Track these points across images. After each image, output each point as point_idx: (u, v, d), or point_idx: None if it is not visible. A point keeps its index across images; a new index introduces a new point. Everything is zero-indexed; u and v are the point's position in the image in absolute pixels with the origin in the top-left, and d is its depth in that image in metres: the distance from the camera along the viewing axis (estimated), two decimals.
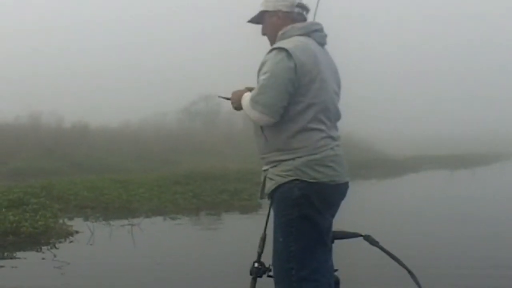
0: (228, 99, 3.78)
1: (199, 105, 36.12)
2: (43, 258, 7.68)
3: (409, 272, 4.12)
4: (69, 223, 9.80)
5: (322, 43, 3.66)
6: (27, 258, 7.72)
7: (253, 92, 3.48)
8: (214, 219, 11.81)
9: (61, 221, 9.54)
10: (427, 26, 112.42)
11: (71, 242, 8.73)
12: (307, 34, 3.58)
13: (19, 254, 7.93)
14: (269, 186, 3.55)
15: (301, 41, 3.51)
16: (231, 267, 6.70)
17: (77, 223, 9.95)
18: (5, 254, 7.92)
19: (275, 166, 3.52)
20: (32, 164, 19.32)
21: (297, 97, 3.42)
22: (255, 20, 3.78)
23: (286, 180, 3.44)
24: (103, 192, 12.88)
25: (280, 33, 3.60)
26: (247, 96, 3.54)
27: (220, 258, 7.72)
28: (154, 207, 12.15)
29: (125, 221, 10.25)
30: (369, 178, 21.97)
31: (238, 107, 3.67)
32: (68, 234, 9.06)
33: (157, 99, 36.74)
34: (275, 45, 3.52)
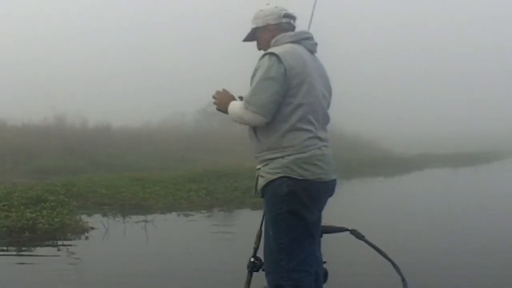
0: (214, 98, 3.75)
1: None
2: (57, 253, 7.53)
3: (393, 263, 4.28)
4: (87, 219, 9.61)
5: (312, 51, 3.71)
6: (42, 253, 7.54)
7: (246, 94, 3.52)
8: (226, 215, 11.57)
9: (77, 217, 9.34)
10: (433, 31, 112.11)
11: (86, 238, 8.55)
12: (297, 41, 3.64)
13: (35, 249, 7.76)
14: (260, 183, 3.60)
15: (291, 47, 3.57)
16: (239, 261, 6.46)
17: (95, 220, 9.76)
18: (22, 249, 7.74)
19: (266, 164, 3.56)
20: (55, 163, 19.25)
21: (288, 99, 3.46)
22: (249, 38, 3.84)
23: (275, 177, 3.49)
24: (121, 189, 12.70)
25: (273, 41, 3.66)
26: (237, 103, 3.60)
27: (228, 253, 7.50)
28: (169, 204, 11.98)
29: (141, 218, 10.06)
30: (376, 175, 22.10)
31: (222, 109, 3.70)
32: (83, 230, 8.88)
33: (176, 101, 36.61)
34: (266, 51, 3.57)
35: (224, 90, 3.73)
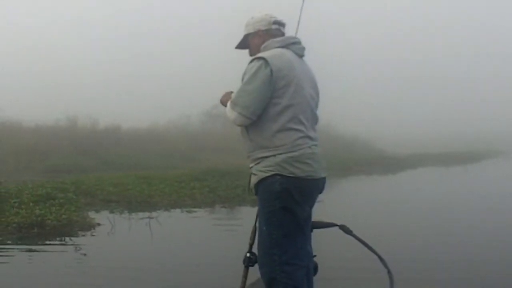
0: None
1: (220, 108, 35.70)
2: (65, 248, 7.45)
3: (379, 257, 4.27)
4: (95, 216, 9.57)
5: (300, 55, 3.71)
6: (50, 249, 7.51)
7: (233, 95, 3.53)
8: (227, 212, 11.49)
9: (85, 214, 9.28)
10: (431, 33, 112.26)
11: (93, 234, 8.45)
12: (285, 46, 3.64)
13: (43, 245, 7.72)
14: (253, 181, 3.57)
15: (279, 51, 3.57)
16: (240, 256, 6.38)
17: (102, 216, 9.70)
18: (31, 245, 7.68)
19: (258, 163, 3.53)
20: (67, 162, 19.25)
21: (275, 99, 3.45)
22: (241, 45, 3.86)
23: (268, 174, 3.46)
24: (128, 187, 12.66)
25: (262, 46, 3.67)
26: (229, 103, 3.57)
27: (229, 248, 7.38)
28: (173, 201, 11.92)
29: (146, 214, 10.00)
30: (371, 174, 22.17)
31: (224, 105, 3.70)
32: (90, 226, 8.80)
33: (182, 103, 36.61)
34: (255, 56, 3.57)
35: (231, 91, 3.71)
